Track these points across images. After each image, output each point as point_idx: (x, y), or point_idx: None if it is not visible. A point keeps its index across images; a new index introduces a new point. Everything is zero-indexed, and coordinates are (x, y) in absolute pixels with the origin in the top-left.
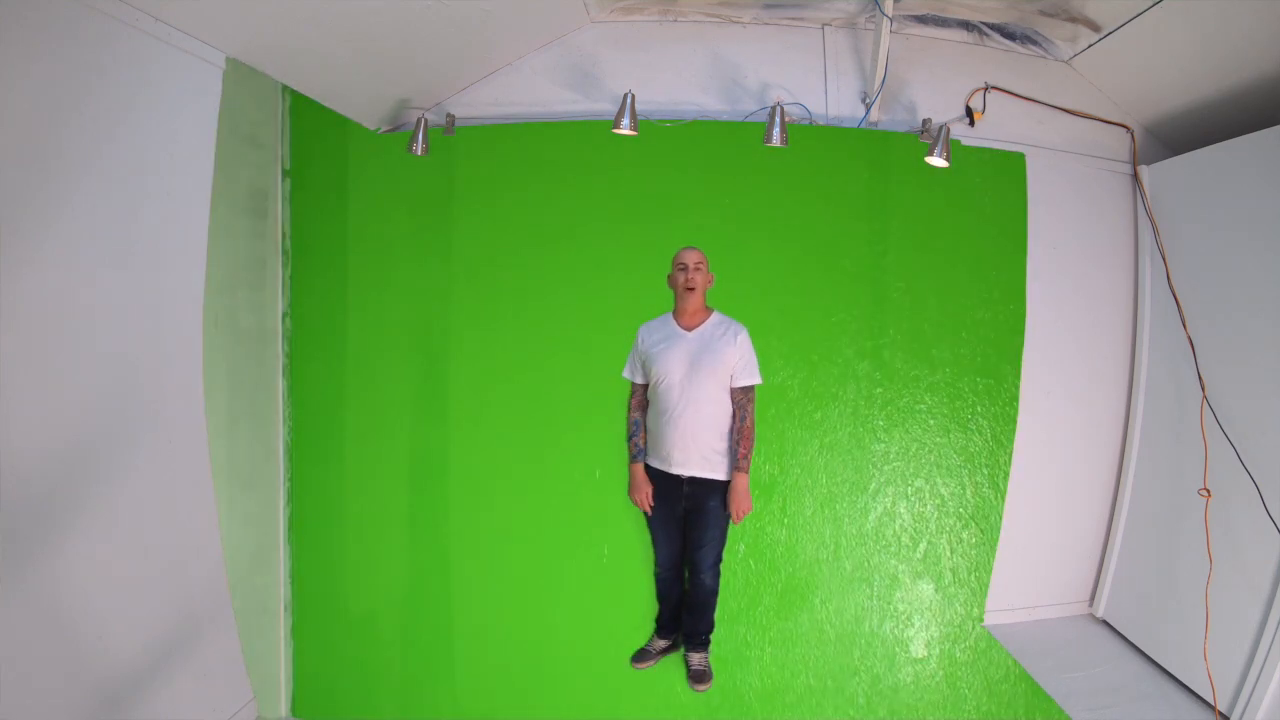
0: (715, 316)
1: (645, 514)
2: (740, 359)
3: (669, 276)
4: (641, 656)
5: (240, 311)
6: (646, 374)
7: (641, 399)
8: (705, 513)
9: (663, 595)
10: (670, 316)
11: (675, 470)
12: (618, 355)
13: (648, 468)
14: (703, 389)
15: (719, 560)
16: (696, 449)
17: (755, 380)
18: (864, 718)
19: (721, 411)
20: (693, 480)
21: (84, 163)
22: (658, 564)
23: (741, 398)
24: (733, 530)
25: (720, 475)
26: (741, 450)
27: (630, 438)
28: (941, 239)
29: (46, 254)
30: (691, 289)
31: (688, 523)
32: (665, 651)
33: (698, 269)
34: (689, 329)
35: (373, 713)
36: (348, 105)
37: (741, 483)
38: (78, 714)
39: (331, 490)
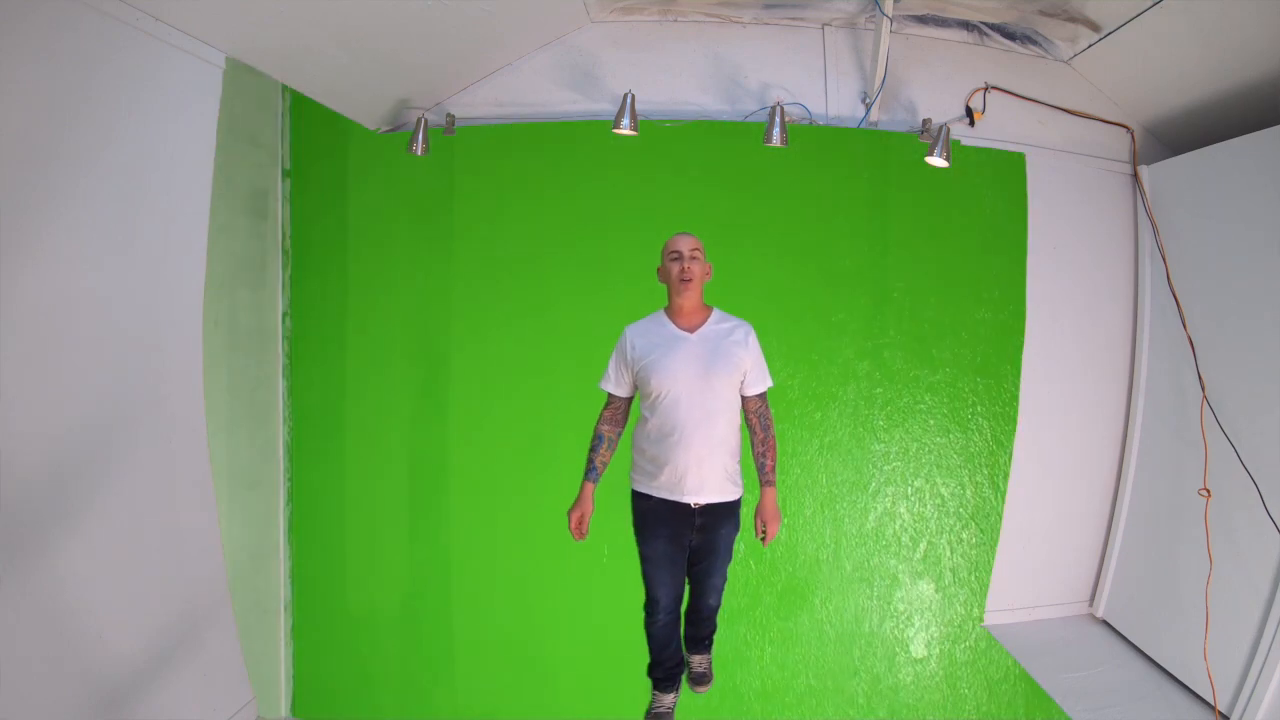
0: (716, 314)
1: (646, 552)
2: (754, 362)
3: (659, 269)
4: None
5: (240, 311)
6: (639, 385)
7: (619, 413)
8: (716, 542)
9: (663, 643)
10: (663, 316)
11: (688, 498)
12: None
13: (644, 497)
14: (716, 398)
15: (725, 580)
16: (713, 470)
17: (769, 384)
18: (864, 718)
19: (735, 423)
20: (706, 509)
21: (84, 163)
22: (656, 609)
23: (760, 405)
24: None
25: (732, 496)
26: (769, 463)
27: (592, 451)
28: (941, 239)
29: (46, 254)
30: (688, 280)
31: (694, 555)
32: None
33: (694, 257)
34: (689, 330)
35: (373, 713)
36: (348, 105)
37: (772, 498)
38: (78, 714)
39: (331, 490)
